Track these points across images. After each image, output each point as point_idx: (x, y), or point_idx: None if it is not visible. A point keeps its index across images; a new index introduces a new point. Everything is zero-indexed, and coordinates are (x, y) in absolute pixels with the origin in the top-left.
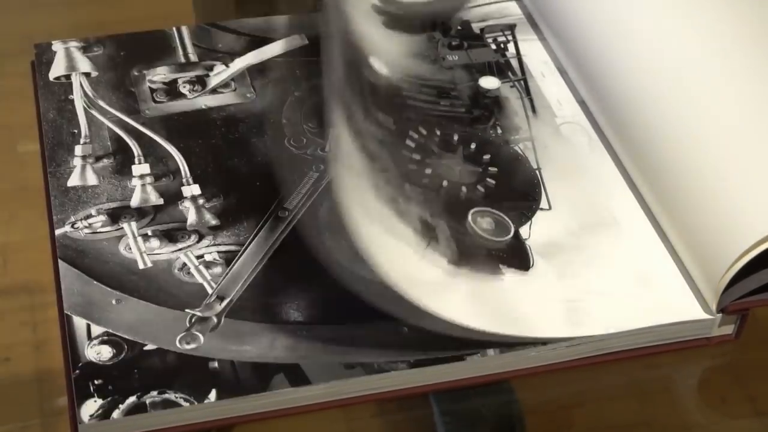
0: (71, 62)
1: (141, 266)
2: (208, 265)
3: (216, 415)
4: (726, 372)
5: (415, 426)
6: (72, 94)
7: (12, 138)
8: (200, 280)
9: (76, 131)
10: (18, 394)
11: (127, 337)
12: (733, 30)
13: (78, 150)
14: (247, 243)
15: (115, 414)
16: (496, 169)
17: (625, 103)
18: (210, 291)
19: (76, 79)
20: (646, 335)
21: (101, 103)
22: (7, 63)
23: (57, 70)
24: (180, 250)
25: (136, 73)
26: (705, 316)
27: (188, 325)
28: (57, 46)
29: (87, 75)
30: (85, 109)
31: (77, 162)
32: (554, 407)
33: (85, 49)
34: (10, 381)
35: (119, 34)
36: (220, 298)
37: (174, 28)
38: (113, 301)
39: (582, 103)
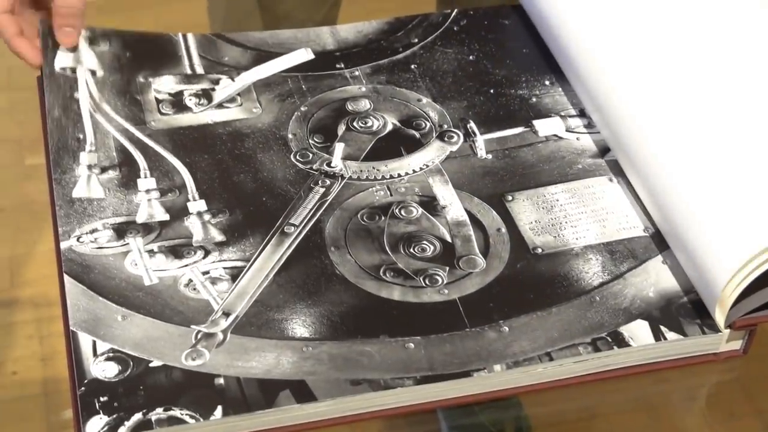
0: (77, 53)
1: (147, 282)
2: (214, 281)
3: None
4: (735, 386)
5: None
6: (77, 92)
7: (20, 151)
8: (206, 296)
9: (81, 136)
10: (25, 408)
11: (132, 353)
12: (734, 42)
13: (83, 158)
14: (253, 259)
15: (121, 431)
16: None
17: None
18: (216, 307)
19: (81, 76)
20: (654, 351)
21: (107, 107)
22: (15, 76)
23: (63, 60)
24: (186, 266)
25: (141, 80)
26: (712, 332)
27: (194, 341)
28: None
29: (93, 73)
30: (90, 112)
31: (83, 171)
32: (563, 422)
33: (92, 41)
34: (17, 395)
35: (125, 31)
36: (226, 314)
37: (180, 35)
38: (119, 318)
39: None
